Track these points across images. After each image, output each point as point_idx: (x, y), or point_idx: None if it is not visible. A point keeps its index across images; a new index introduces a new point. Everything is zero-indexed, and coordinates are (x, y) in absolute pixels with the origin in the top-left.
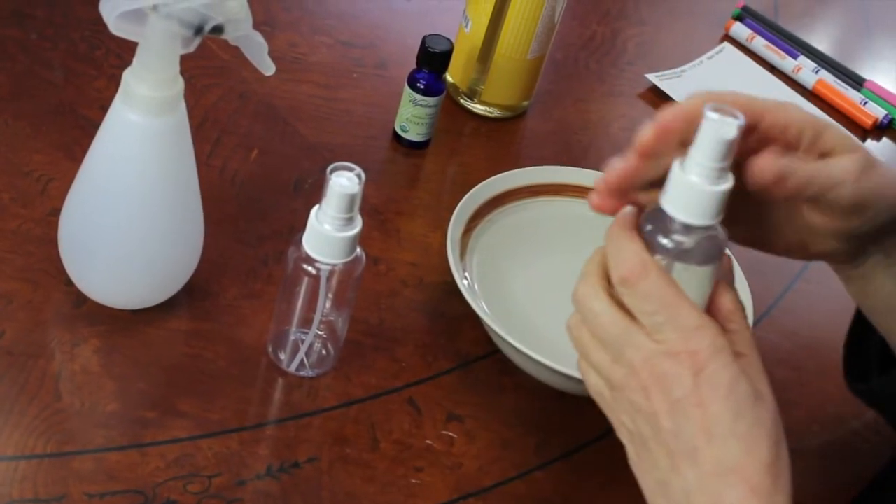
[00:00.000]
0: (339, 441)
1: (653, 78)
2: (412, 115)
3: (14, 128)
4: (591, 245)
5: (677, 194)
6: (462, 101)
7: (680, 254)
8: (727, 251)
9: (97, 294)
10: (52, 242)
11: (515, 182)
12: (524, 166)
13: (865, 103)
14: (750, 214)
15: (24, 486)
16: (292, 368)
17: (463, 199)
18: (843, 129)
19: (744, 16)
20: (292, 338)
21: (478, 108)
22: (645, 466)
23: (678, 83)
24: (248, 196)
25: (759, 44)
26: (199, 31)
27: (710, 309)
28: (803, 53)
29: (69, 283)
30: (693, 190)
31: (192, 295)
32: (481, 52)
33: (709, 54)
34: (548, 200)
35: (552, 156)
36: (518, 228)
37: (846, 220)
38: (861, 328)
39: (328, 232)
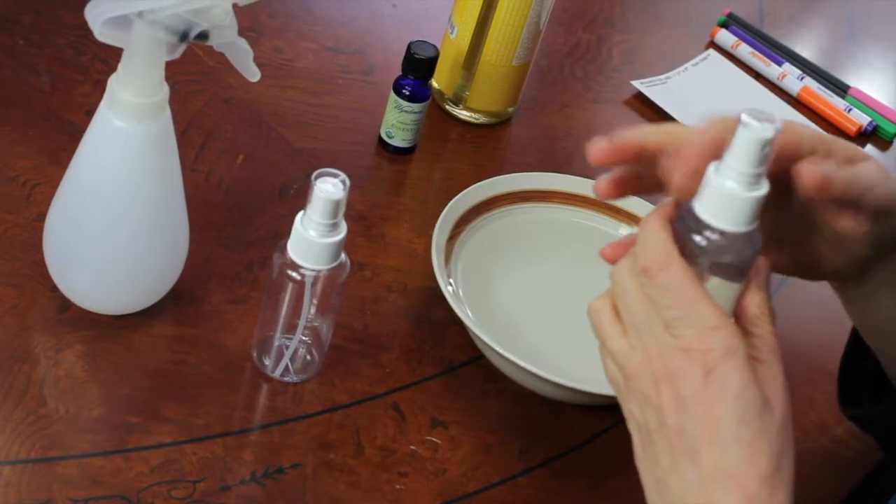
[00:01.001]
0: (324, 447)
1: (638, 85)
2: (398, 122)
3: (0, 133)
4: (575, 252)
5: (711, 199)
6: (447, 107)
7: (711, 258)
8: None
9: (82, 299)
10: (38, 248)
11: (500, 188)
12: (509, 173)
13: (850, 110)
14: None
15: (9, 492)
16: (277, 374)
17: (448, 205)
18: (847, 141)
19: (729, 23)
20: (277, 343)
21: (463, 114)
22: (648, 461)
23: (663, 90)
24: (233, 202)
25: (745, 51)
26: (184, 37)
27: (737, 310)
28: (788, 60)
29: (54, 288)
30: (728, 195)
31: (177, 300)
32: (467, 59)
33: (694, 61)
34: (532, 207)
35: (537, 162)
36: (503, 235)
37: (877, 224)
38: (855, 354)
39: (313, 238)
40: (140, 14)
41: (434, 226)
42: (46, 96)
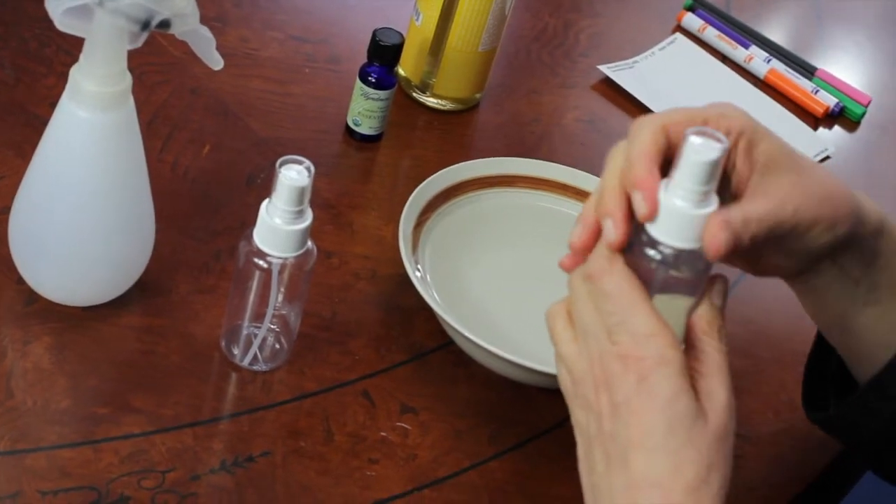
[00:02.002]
0: (293, 434)
1: (605, 69)
2: (364, 109)
3: None
4: (543, 236)
5: (663, 218)
6: (414, 94)
7: (664, 274)
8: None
9: (48, 291)
10: (3, 240)
11: (467, 174)
12: (476, 158)
13: (817, 92)
14: None
15: None
16: (245, 363)
17: (415, 192)
18: (782, 142)
19: (695, 6)
20: (245, 332)
21: (430, 101)
22: (586, 467)
23: (631, 74)
24: (199, 191)
25: (711, 34)
26: (145, 26)
27: (688, 324)
28: (755, 43)
29: (20, 281)
30: (677, 214)
31: (145, 291)
32: (432, 45)
33: (661, 45)
34: (500, 192)
35: (505, 148)
36: (471, 220)
37: (782, 245)
38: (819, 356)
39: (279, 225)
40: (101, 3)
41: (402, 213)
42: (10, 89)
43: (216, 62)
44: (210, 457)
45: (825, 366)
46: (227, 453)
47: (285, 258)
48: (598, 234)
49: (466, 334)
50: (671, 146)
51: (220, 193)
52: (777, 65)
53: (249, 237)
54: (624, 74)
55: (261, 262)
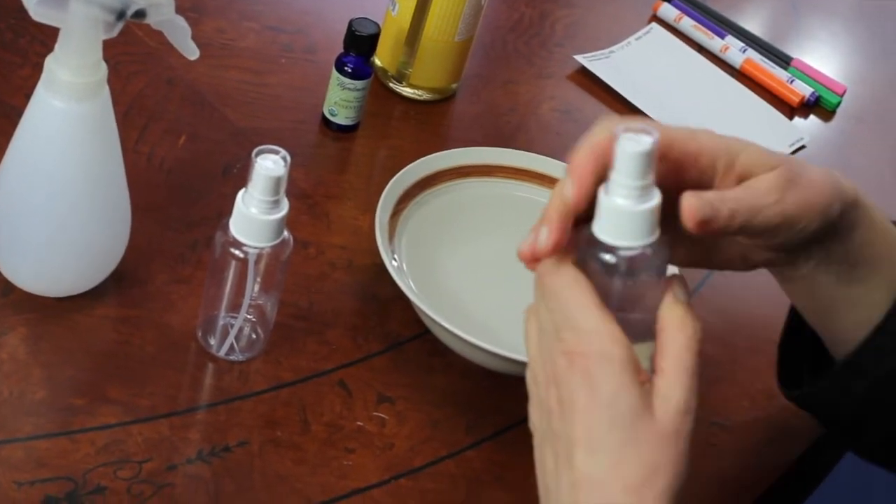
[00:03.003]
0: (270, 424)
1: (581, 59)
2: (340, 99)
3: None
4: (519, 225)
5: (607, 219)
6: (391, 84)
7: (620, 276)
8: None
9: (24, 282)
10: None
11: (444, 164)
12: (453, 148)
13: (792, 81)
14: (683, 237)
15: None
16: (222, 353)
17: (391, 181)
18: (760, 147)
19: None
20: (221, 322)
21: (406, 91)
22: (539, 468)
23: (607, 64)
24: (176, 182)
25: (687, 24)
26: (120, 15)
27: (659, 320)
28: (731, 33)
29: None
30: (620, 212)
31: (121, 282)
32: (409, 35)
33: (637, 35)
34: (476, 182)
35: (481, 138)
36: (447, 210)
37: (775, 237)
38: (793, 333)
39: (255, 215)
40: None
41: (378, 202)
42: None
43: (192, 52)
44: (186, 447)
45: (800, 343)
46: (203, 443)
47: (261, 248)
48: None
49: (443, 324)
50: None
51: (196, 184)
52: (753, 55)
53: (225, 227)
54: (600, 64)
55: (237, 252)
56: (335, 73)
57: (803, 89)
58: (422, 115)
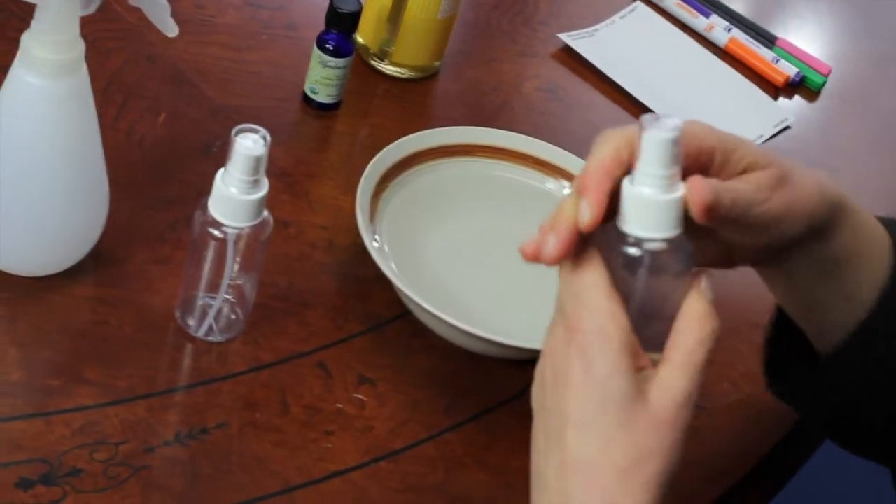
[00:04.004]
0: (249, 406)
1: (565, 38)
2: (322, 77)
3: None
4: (502, 206)
5: (632, 211)
6: (373, 62)
7: (646, 268)
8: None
9: (0, 261)
10: None
11: (426, 143)
12: (436, 127)
13: (777, 61)
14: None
15: None
16: (201, 334)
17: (373, 161)
18: (755, 145)
19: None
20: (200, 303)
21: (389, 69)
22: (533, 446)
23: (591, 42)
24: (155, 160)
25: (672, 3)
26: None
27: (681, 312)
28: (716, 12)
29: None
30: (647, 203)
31: (99, 261)
32: (391, 13)
33: (621, 13)
34: (458, 161)
35: (464, 117)
36: (429, 190)
37: (760, 236)
38: (779, 329)
39: (234, 195)
40: None
41: (359, 182)
42: None
43: (171, 29)
44: (164, 429)
45: (785, 338)
46: (181, 425)
47: (241, 228)
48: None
49: (424, 305)
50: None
51: (176, 162)
52: (738, 34)
53: (204, 207)
54: (584, 43)
55: (216, 232)
56: (316, 51)
57: (788, 69)
58: (404, 93)
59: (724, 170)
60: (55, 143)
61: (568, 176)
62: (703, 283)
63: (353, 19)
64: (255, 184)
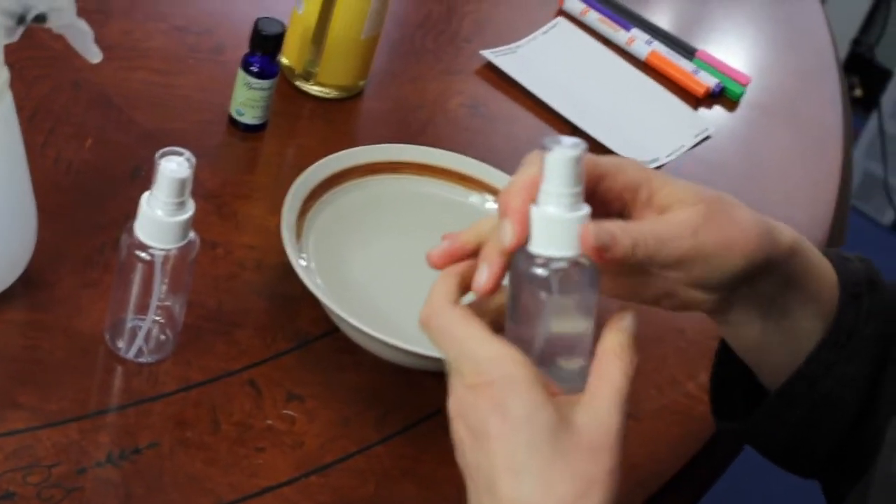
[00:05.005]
0: (180, 425)
1: (488, 55)
2: (247, 99)
3: None
4: (428, 222)
5: (539, 231)
6: (298, 83)
7: (556, 288)
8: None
9: None
10: None
11: (351, 161)
12: (362, 146)
13: (697, 73)
14: (609, 268)
15: None
16: (131, 355)
17: (297, 180)
18: (689, 185)
19: None
20: (129, 325)
21: (314, 89)
22: (468, 499)
23: (514, 59)
24: (83, 186)
25: (593, 17)
26: (21, 20)
27: (600, 342)
28: (636, 25)
29: None
30: (552, 221)
31: (28, 286)
32: (315, 34)
33: (543, 29)
34: (384, 178)
35: (390, 134)
36: (355, 207)
37: (690, 271)
38: (724, 365)
39: (160, 217)
40: None
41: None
42: None
43: (94, 55)
44: (96, 450)
45: (731, 374)
46: (113, 446)
47: (168, 250)
48: (457, 258)
49: (351, 321)
50: None
51: (104, 187)
52: (658, 46)
53: (131, 230)
54: (507, 59)
55: (143, 255)
56: (241, 73)
57: (708, 80)
58: (330, 113)
59: (649, 206)
60: None
61: (491, 190)
62: (627, 315)
63: (276, 41)
64: (181, 206)
